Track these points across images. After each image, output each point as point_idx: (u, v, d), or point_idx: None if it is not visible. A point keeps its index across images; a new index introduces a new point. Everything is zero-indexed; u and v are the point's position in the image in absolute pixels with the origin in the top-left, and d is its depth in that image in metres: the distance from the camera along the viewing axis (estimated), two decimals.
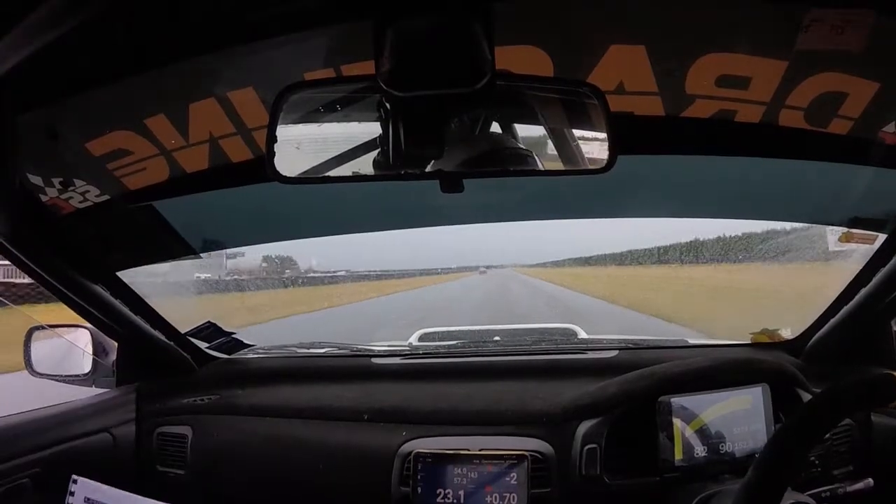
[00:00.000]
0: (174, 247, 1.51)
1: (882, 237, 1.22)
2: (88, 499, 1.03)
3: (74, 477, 1.04)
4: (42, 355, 1.43)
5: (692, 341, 1.64)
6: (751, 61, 1.02)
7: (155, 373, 1.47)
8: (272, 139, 0.83)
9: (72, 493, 1.02)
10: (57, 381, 1.45)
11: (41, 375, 1.43)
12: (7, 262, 1.06)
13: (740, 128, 1.13)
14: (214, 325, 1.63)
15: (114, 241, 1.38)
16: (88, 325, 1.38)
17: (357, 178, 0.94)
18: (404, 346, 1.84)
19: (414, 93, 0.74)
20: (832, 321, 1.33)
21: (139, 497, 1.06)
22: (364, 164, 0.94)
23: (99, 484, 1.05)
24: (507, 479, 1.14)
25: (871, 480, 1.14)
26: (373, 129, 0.90)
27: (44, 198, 1.17)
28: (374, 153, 0.92)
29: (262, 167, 0.84)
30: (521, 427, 1.22)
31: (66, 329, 1.47)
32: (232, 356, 1.63)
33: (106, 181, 1.21)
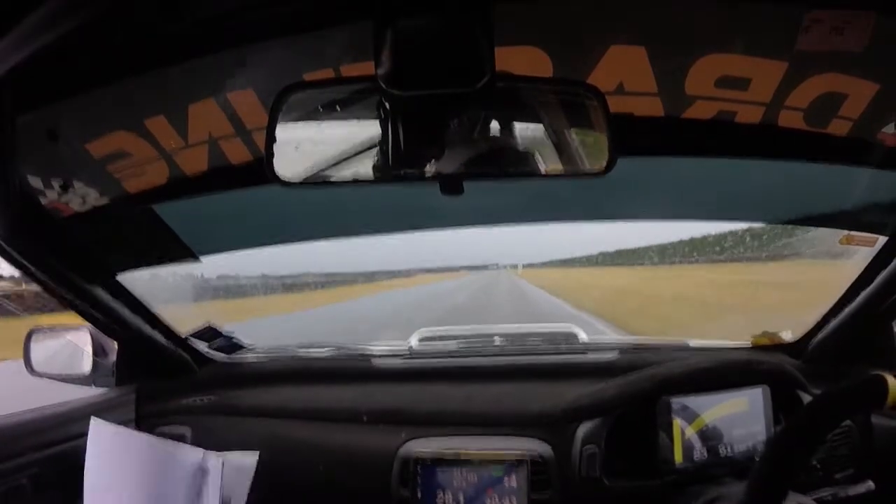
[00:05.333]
0: (174, 249, 1.51)
1: (883, 239, 1.21)
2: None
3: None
4: (42, 355, 1.43)
5: (692, 343, 1.64)
6: (751, 62, 1.02)
7: (155, 373, 1.47)
8: (271, 140, 0.83)
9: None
10: (57, 381, 1.45)
11: (41, 375, 1.42)
12: None
13: (740, 129, 1.13)
14: (214, 326, 1.63)
15: (113, 244, 1.38)
16: (88, 325, 1.38)
17: (356, 181, 0.94)
18: (404, 347, 1.83)
19: (413, 92, 0.74)
20: (833, 323, 1.32)
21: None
22: (363, 167, 0.93)
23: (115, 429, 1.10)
24: (507, 481, 1.14)
25: (871, 483, 1.13)
26: (372, 131, 0.90)
27: (43, 200, 1.17)
28: (374, 156, 0.92)
29: (261, 169, 0.84)
30: (521, 429, 1.22)
31: (65, 329, 1.46)
32: (231, 357, 1.62)
33: (106, 183, 1.21)
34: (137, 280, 1.36)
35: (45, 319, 1.53)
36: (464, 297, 20.29)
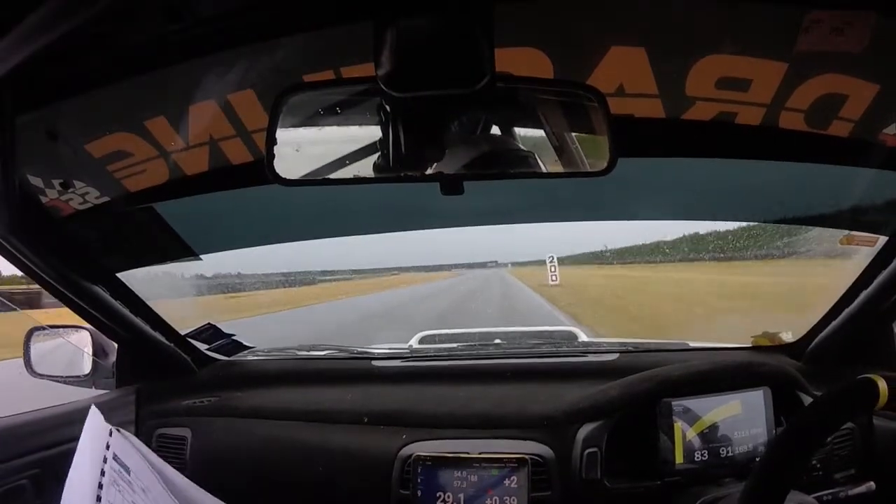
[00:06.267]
0: (174, 248, 1.52)
1: (883, 239, 1.21)
2: (116, 455, 0.95)
3: (111, 429, 0.97)
4: (42, 356, 1.43)
5: (693, 344, 1.64)
6: (751, 63, 1.02)
7: (155, 374, 1.47)
8: (272, 141, 0.83)
9: (108, 446, 0.95)
10: (57, 381, 1.45)
11: (41, 376, 1.42)
12: None
13: (741, 130, 1.13)
14: (215, 326, 1.63)
15: (114, 243, 1.38)
16: (89, 325, 1.38)
17: (357, 180, 0.94)
18: (404, 348, 1.84)
19: (414, 94, 0.74)
20: (833, 324, 1.32)
21: (153, 467, 1.01)
22: (364, 167, 0.94)
23: (128, 442, 0.98)
24: (508, 482, 1.13)
25: (872, 484, 1.13)
26: (373, 131, 0.90)
27: (44, 199, 1.17)
28: (375, 155, 0.92)
29: (261, 169, 0.84)
30: (522, 430, 1.22)
31: (66, 330, 1.46)
32: (232, 358, 1.63)
33: (106, 183, 1.21)
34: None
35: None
36: None
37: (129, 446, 0.98)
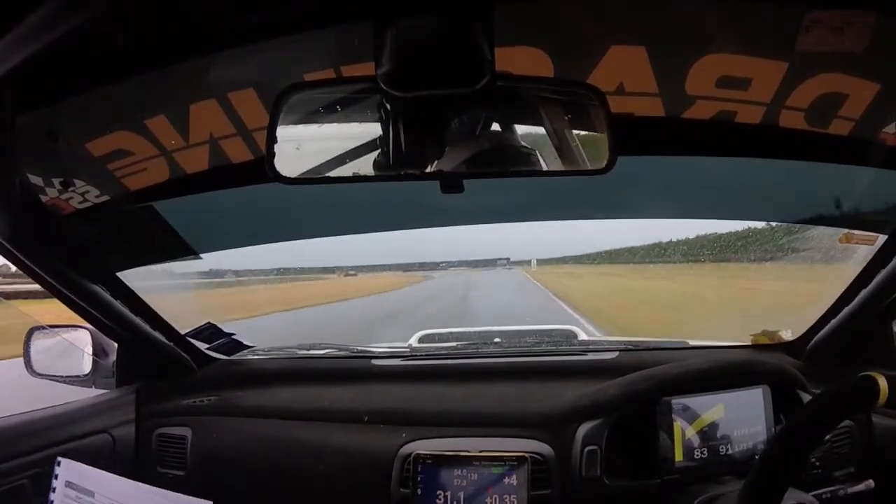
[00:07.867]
0: (174, 247, 1.51)
1: (883, 238, 1.21)
2: (70, 482, 0.94)
3: (59, 459, 0.96)
4: (42, 356, 1.43)
5: (693, 343, 1.64)
6: (751, 62, 1.02)
7: (155, 374, 1.47)
8: (272, 139, 0.83)
9: (56, 476, 0.94)
10: (57, 381, 1.45)
11: (41, 376, 1.42)
12: None
13: (741, 129, 1.13)
14: (215, 326, 1.63)
15: (114, 242, 1.38)
16: (88, 325, 1.38)
17: (357, 178, 0.94)
18: (404, 347, 1.84)
19: (414, 93, 0.74)
20: (833, 322, 1.33)
21: (124, 480, 0.99)
22: (364, 165, 0.94)
23: (84, 467, 0.96)
24: (508, 480, 1.14)
25: (871, 482, 1.14)
26: (373, 130, 0.90)
27: (44, 198, 1.17)
28: (375, 153, 0.92)
29: (262, 168, 0.84)
30: (522, 429, 1.22)
31: (66, 329, 1.46)
32: (232, 357, 1.63)
33: (106, 182, 1.21)
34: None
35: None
36: None
37: (84, 469, 0.95)
